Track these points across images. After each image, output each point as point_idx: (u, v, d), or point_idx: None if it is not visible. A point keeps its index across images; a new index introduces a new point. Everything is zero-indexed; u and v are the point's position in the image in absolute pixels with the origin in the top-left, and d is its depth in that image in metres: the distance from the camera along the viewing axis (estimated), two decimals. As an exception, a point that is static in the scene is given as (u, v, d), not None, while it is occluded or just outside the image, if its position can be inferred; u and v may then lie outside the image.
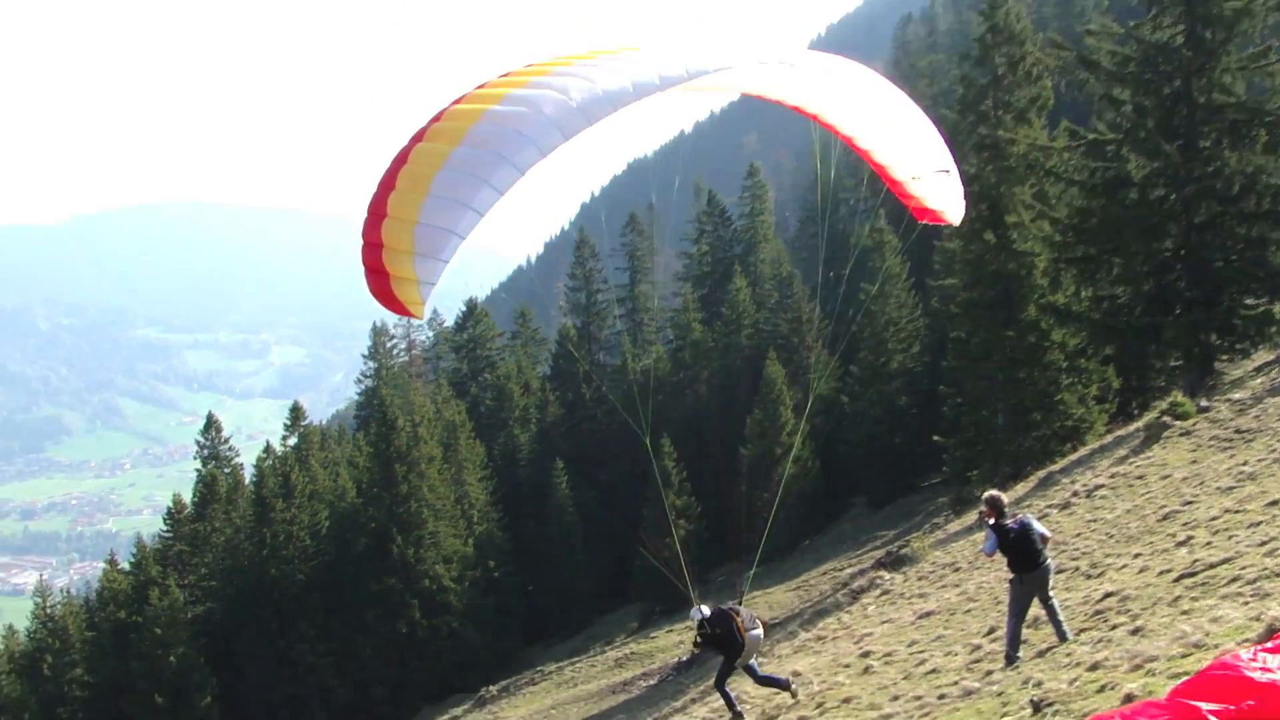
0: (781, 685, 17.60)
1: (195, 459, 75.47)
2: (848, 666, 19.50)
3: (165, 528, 69.84)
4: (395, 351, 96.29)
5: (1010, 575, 14.38)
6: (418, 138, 11.66)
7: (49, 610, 70.20)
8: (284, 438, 76.75)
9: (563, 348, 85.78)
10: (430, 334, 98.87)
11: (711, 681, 19.73)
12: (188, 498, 71.67)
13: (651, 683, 43.82)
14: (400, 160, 11.54)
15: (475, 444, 75.59)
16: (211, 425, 74.52)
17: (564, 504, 72.43)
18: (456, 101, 11.95)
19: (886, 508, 63.31)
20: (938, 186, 14.35)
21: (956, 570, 26.58)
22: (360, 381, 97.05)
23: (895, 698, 15.45)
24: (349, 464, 74.20)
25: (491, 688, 56.20)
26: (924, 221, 14.77)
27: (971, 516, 35.65)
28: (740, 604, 16.79)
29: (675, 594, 61.65)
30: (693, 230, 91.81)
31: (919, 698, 14.66)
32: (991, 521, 14.42)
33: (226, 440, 75.19)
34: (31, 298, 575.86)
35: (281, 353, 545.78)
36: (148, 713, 58.76)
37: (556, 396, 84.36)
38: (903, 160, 14.13)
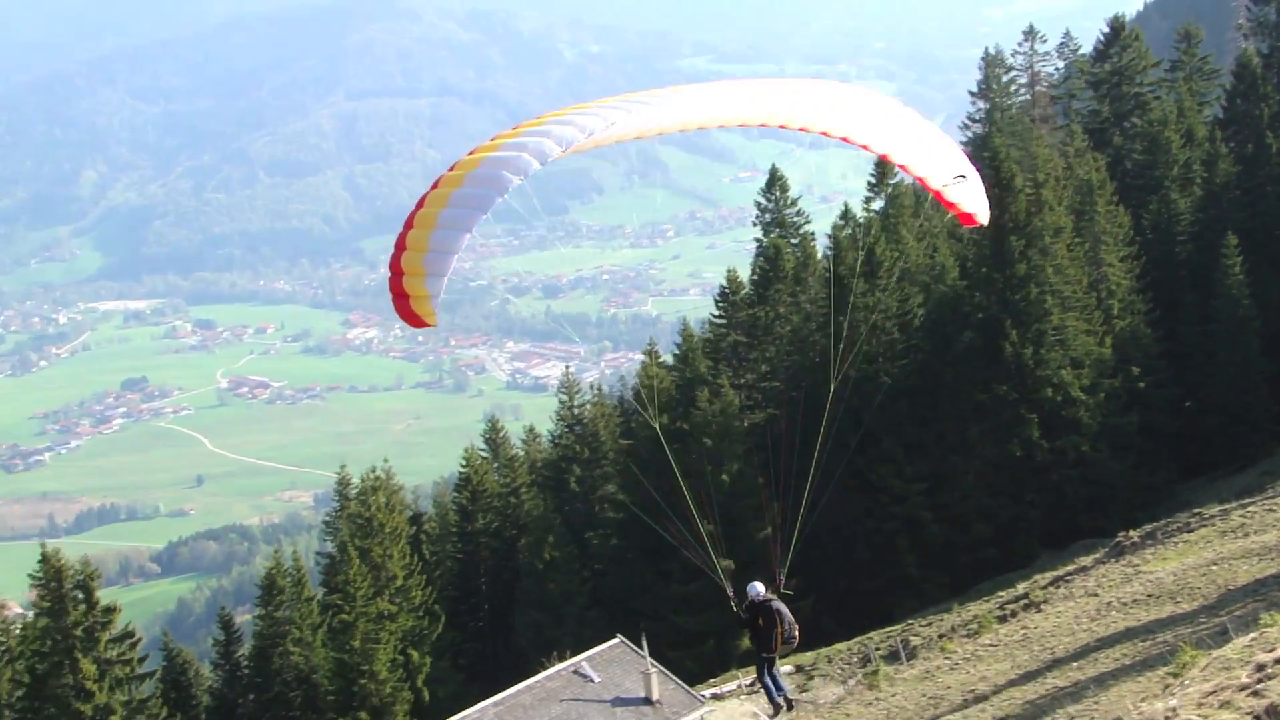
0: (774, 703, 23.57)
1: (754, 225, 79.08)
2: None
3: (717, 312, 73.75)
4: (1014, 88, 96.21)
5: None
6: (434, 185, 18.89)
7: (576, 411, 76.24)
8: (867, 200, 78.87)
9: (1242, 82, 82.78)
10: (1059, 64, 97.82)
11: None
12: (745, 275, 75.19)
13: (1353, 537, 43.07)
14: (419, 205, 18.81)
15: (1118, 211, 74.93)
16: (775, 183, 77.61)
17: (1237, 293, 70.69)
18: (471, 153, 19.08)
19: None
20: (966, 191, 20.59)
21: None
22: (967, 127, 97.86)
23: None
24: (949, 235, 75.19)
25: (1132, 533, 56.25)
26: (968, 226, 22.12)
27: None
28: (781, 588, 23.51)
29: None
30: None
31: None
32: None
33: (794, 202, 78.24)
34: (555, 19, 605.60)
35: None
36: (694, 541, 62.11)
37: (1230, 149, 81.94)
38: (934, 170, 20.42)
